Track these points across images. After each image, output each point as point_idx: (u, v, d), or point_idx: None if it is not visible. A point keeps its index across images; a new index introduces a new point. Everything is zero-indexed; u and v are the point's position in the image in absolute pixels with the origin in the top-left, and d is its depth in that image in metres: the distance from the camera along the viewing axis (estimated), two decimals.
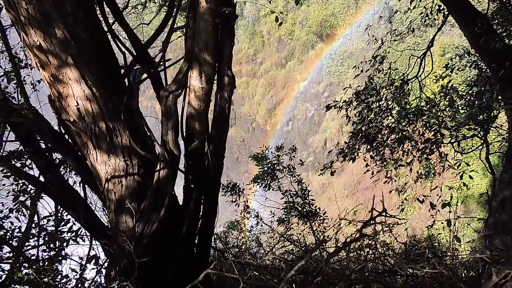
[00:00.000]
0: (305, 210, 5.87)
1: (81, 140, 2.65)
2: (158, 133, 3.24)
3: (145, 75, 3.38)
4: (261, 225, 6.95)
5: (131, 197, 2.80)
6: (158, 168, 2.96)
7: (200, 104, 3.33)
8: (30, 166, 3.32)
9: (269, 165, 6.21)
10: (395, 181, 5.18)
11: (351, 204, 22.01)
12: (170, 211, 2.97)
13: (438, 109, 4.67)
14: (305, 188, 6.00)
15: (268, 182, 6.30)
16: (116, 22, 3.09)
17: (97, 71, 2.47)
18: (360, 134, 5.34)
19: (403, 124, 5.07)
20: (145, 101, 38.50)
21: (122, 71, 3.05)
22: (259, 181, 6.28)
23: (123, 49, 3.11)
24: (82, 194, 3.09)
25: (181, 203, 3.51)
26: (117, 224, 2.79)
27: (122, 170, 2.72)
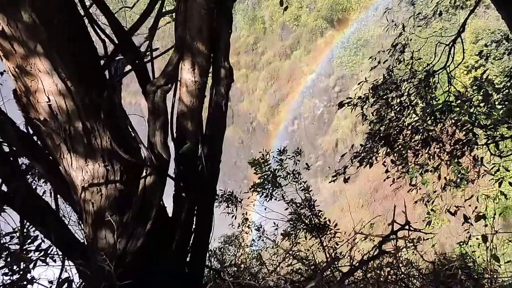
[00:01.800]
0: (313, 222, 5.86)
1: (53, 142, 2.57)
2: (144, 134, 3.23)
3: (128, 67, 3.31)
4: (263, 240, 6.97)
5: (112, 208, 2.76)
6: (144, 174, 2.95)
7: (193, 101, 3.32)
8: None
9: (269, 172, 6.27)
10: (420, 189, 5.15)
11: (368, 215, 21.99)
12: (157, 225, 2.94)
13: (470, 105, 4.60)
14: (311, 197, 5.98)
15: (270, 191, 6.44)
16: (94, 5, 3.01)
17: (72, 62, 2.38)
18: (378, 135, 5.31)
19: (429, 123, 5.04)
20: (128, 96, 38.76)
21: (102, 62, 3.00)
22: (259, 189, 6.37)
23: (103, 37, 3.10)
24: (54, 206, 3.05)
25: (170, 214, 3.50)
26: (95, 240, 2.75)
27: (102, 177, 2.69)
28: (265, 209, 6.42)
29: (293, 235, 5.85)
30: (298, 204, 6.27)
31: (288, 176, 6.47)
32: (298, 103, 30.19)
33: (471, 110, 4.48)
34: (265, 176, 6.28)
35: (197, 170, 3.54)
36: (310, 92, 29.33)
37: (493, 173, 4.36)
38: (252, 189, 6.52)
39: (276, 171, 6.36)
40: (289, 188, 6.42)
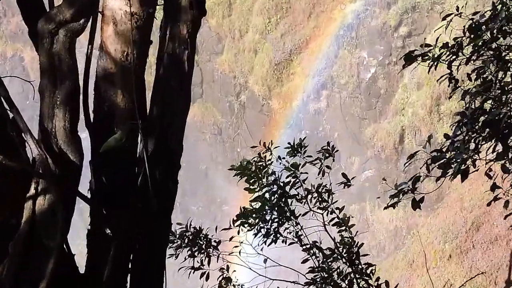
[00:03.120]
0: (359, 284, 6.05)
1: None
2: (31, 117, 3.32)
3: None
4: None
5: None
6: (32, 189, 3.06)
7: (127, 51, 3.49)
8: None
9: (272, 187, 6.43)
10: None
11: (461, 272, 22.20)
12: (56, 285, 3.04)
13: None
14: (352, 238, 6.09)
15: (274, 226, 6.64)
16: None
17: None
18: (481, 118, 5.36)
19: None
20: (2, 45, 38.43)
21: None
22: (251, 222, 6.65)
23: None
24: None
25: (82, 269, 3.62)
26: None
27: None
28: (264, 261, 6.55)
29: None
30: (328, 251, 6.40)
31: (309, 196, 6.61)
32: (329, 57, 30.34)
33: None
34: (265, 197, 6.45)
35: (133, 185, 3.80)
36: (351, 37, 29.48)
37: None
38: (238, 223, 6.66)
39: (286, 186, 6.52)
40: (310, 221, 6.55)
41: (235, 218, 6.72)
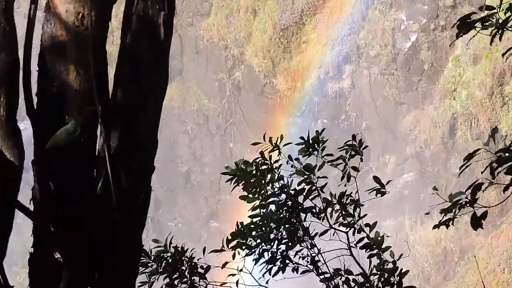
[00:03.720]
0: None
1: None
2: None
3: None
4: None
5: None
6: None
7: (81, 14, 3.55)
8: None
9: (282, 196, 6.41)
10: None
11: None
12: None
13: None
14: (394, 262, 6.08)
15: (281, 249, 6.60)
16: None
17: None
18: None
19: None
20: None
21: None
22: (250, 244, 6.63)
23: None
24: None
25: None
26: None
27: None
28: None
29: None
30: (355, 283, 6.39)
31: (329, 209, 6.61)
32: (354, 20, 30.28)
33: None
34: (269, 210, 6.46)
35: (90, 191, 3.84)
36: None
37: None
38: (234, 244, 6.67)
39: (299, 195, 6.51)
40: (330, 242, 6.54)
41: (229, 237, 6.72)
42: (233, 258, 6.87)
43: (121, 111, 3.81)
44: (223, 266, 6.95)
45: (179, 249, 7.00)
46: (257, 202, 6.72)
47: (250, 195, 6.71)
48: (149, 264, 6.82)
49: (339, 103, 31.01)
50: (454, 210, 5.65)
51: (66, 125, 3.62)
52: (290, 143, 6.95)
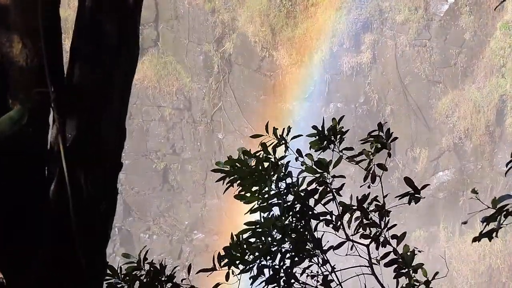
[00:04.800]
0: None
1: None
2: None
3: None
4: None
5: None
6: None
7: None
8: None
9: (288, 198, 6.41)
10: None
11: None
12: None
13: None
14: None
15: (286, 266, 6.58)
16: None
17: None
18: None
19: None
20: None
21: None
22: (246, 259, 6.60)
23: None
24: None
25: None
26: None
27: None
28: None
29: None
30: None
31: (347, 216, 6.61)
32: None
33: None
34: (271, 215, 6.37)
35: (40, 195, 3.87)
36: None
37: None
38: (225, 260, 6.63)
39: (309, 198, 6.51)
40: (347, 258, 6.55)
41: (222, 253, 6.71)
42: (227, 279, 6.86)
43: (79, 93, 3.79)
44: None
45: (158, 265, 6.98)
46: (256, 204, 6.69)
47: (249, 194, 6.67)
48: (119, 286, 6.79)
49: (356, 83, 31.07)
50: (499, 218, 5.68)
51: (10, 111, 3.60)
52: (300, 135, 6.90)
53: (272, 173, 6.60)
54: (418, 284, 6.70)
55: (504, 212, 5.61)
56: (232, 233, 6.75)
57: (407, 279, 6.79)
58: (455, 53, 29.10)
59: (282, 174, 6.66)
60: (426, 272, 6.76)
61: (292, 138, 6.85)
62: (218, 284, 6.83)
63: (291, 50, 31.53)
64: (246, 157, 6.63)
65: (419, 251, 6.97)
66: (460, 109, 29.07)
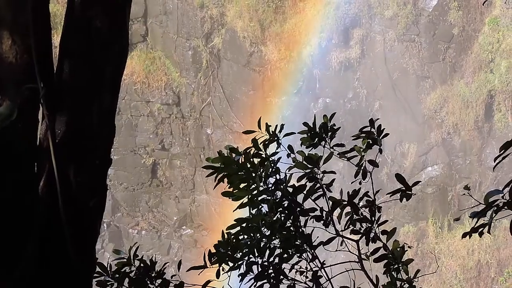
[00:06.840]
0: None
1: None
2: None
3: None
4: None
5: None
6: None
7: None
8: None
9: (277, 194, 6.43)
10: None
11: None
12: None
13: None
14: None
15: (275, 263, 6.59)
16: None
17: None
18: None
19: None
20: None
21: None
22: (235, 256, 6.59)
23: None
24: None
25: None
26: None
27: None
28: None
29: None
30: None
31: (337, 211, 6.59)
32: None
33: None
34: (259, 211, 6.40)
35: (30, 193, 3.85)
36: None
37: None
38: (215, 258, 6.65)
39: (298, 194, 6.49)
40: (337, 254, 6.54)
41: (212, 251, 6.68)
42: (217, 277, 6.82)
43: (69, 89, 3.78)
44: (205, 286, 6.89)
45: (148, 261, 6.92)
46: (245, 200, 6.65)
47: (237, 191, 6.64)
48: (108, 283, 6.74)
49: (345, 78, 31.07)
50: (489, 213, 5.67)
51: None
52: (293, 132, 6.86)
53: (260, 169, 6.57)
54: (401, 282, 6.68)
55: (495, 207, 5.60)
56: (223, 230, 6.73)
57: (391, 275, 6.76)
58: (443, 48, 29.13)
59: (270, 170, 6.64)
60: (407, 270, 6.72)
61: (284, 136, 6.82)
62: (208, 282, 6.79)
63: (280, 45, 31.52)
64: (233, 154, 6.60)
65: (409, 247, 6.95)
66: (448, 104, 29.11)
